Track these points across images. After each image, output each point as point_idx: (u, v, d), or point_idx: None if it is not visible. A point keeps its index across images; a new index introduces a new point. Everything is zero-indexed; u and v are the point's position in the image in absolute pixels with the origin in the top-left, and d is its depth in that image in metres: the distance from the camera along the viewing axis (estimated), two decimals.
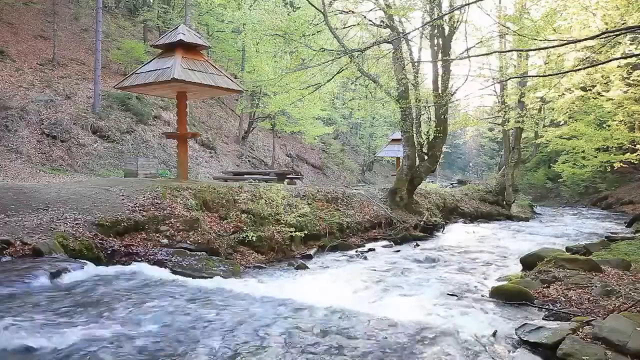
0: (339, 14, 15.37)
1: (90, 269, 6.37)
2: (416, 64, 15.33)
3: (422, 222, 13.94)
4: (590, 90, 14.66)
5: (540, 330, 4.85)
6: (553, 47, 9.41)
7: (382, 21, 14.47)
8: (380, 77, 16.92)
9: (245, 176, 15.55)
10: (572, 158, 22.45)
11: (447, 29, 14.05)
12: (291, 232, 10.01)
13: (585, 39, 7.18)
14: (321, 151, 35.65)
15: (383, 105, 30.20)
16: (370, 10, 14.62)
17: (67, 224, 7.39)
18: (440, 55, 14.13)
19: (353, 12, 14.78)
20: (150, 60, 11.17)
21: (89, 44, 23.80)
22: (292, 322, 5.12)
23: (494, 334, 4.99)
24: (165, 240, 8.17)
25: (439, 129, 14.51)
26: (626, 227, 16.66)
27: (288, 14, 18.03)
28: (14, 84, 18.36)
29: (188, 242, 8.33)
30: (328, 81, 15.50)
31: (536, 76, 14.07)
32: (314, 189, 13.23)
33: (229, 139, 26.87)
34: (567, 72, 11.14)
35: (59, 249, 6.65)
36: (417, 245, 12.14)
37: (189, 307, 5.39)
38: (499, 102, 20.57)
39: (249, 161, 26.34)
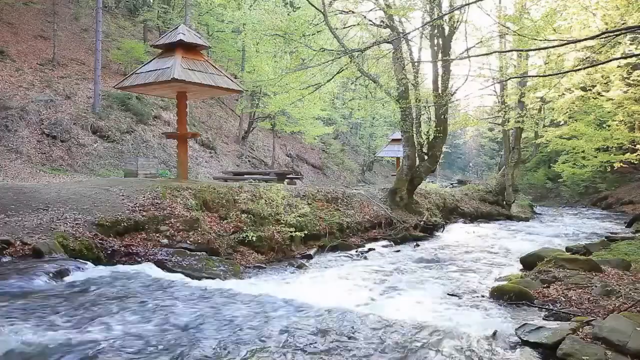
0: (339, 14, 15.37)
1: (90, 269, 6.38)
2: (416, 64, 15.33)
3: (422, 222, 13.94)
4: (590, 90, 14.66)
5: (540, 330, 4.85)
6: (553, 47, 9.41)
7: (382, 21, 14.47)
8: (380, 77, 16.92)
9: (245, 176, 15.55)
10: (572, 158, 22.45)
11: (447, 29, 14.05)
12: (291, 232, 10.01)
13: (585, 39, 7.18)
14: (321, 151, 35.65)
15: (383, 105, 30.20)
16: (370, 10, 14.64)
17: (67, 224, 7.39)
18: (440, 55, 14.12)
19: (353, 12, 14.78)
20: (150, 60, 11.17)
21: (89, 44, 23.81)
22: (292, 322, 5.11)
23: (494, 334, 4.99)
24: (165, 240, 8.17)
25: (439, 129, 14.51)
26: (626, 227, 16.65)
27: (288, 14, 18.03)
28: (14, 84, 18.36)
29: (188, 242, 8.33)
30: (328, 81, 15.50)
31: (536, 76, 14.07)
32: (314, 189, 13.23)
33: (229, 139, 26.87)
34: (567, 72, 11.14)
35: (59, 249, 6.65)
36: (417, 245, 12.14)
37: (189, 307, 5.38)
38: (499, 102, 20.57)
39: (249, 161, 26.34)
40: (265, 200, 10.48)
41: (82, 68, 22.08)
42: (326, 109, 28.29)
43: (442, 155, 18.06)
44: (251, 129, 27.66)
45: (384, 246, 11.66)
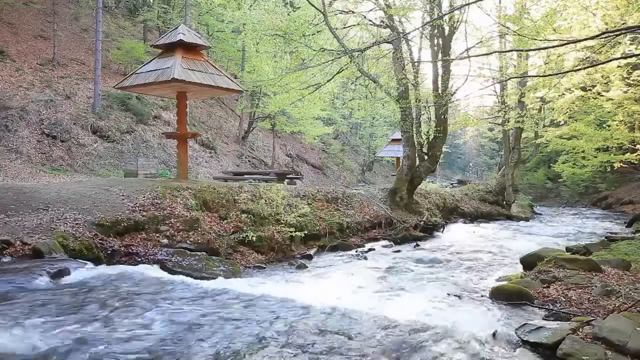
0: (339, 14, 15.36)
1: (90, 269, 6.38)
2: (416, 64, 15.33)
3: (422, 222, 13.94)
4: (590, 90, 14.66)
5: (540, 330, 4.85)
6: (553, 47, 9.41)
7: (382, 21, 14.47)
8: (380, 77, 16.92)
9: (245, 176, 15.54)
10: (572, 158, 22.45)
11: (447, 29, 14.05)
12: (291, 232, 10.01)
13: (585, 39, 7.18)
14: (321, 151, 35.65)
15: (383, 105, 30.20)
16: (370, 10, 14.64)
17: (67, 224, 7.39)
18: (440, 55, 14.12)
19: (353, 12, 14.78)
20: (150, 60, 11.17)
21: (89, 44, 23.81)
22: (292, 322, 5.11)
23: (494, 334, 4.99)
24: (165, 240, 8.17)
25: (439, 129, 14.51)
26: (626, 227, 16.66)
27: (288, 14, 18.03)
28: (14, 84, 18.36)
29: (188, 242, 8.33)
30: (328, 81, 15.50)
31: (536, 76, 14.07)
32: (314, 189, 13.23)
33: (229, 139, 26.87)
34: (567, 72, 11.14)
35: (59, 249, 6.65)
36: (417, 245, 12.14)
37: (189, 307, 5.39)
38: (499, 102, 20.57)
39: (249, 161, 26.34)
40: (265, 200, 10.48)
41: (82, 68, 22.08)
42: (326, 109, 28.29)
43: (442, 155, 18.06)
44: (251, 129, 27.66)
45: (384, 246, 11.65)
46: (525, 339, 4.81)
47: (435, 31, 14.19)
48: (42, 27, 23.91)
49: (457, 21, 13.86)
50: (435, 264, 9.72)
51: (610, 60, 9.81)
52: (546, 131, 19.79)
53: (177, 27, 11.17)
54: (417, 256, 10.47)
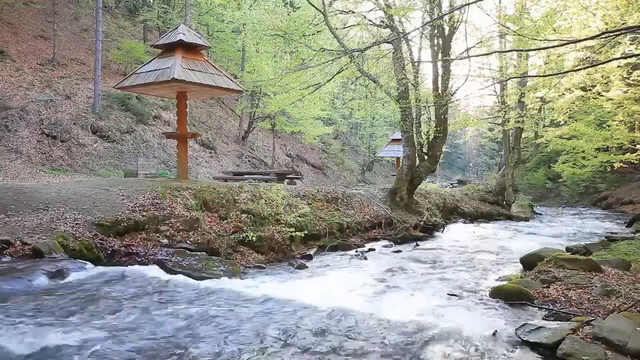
0: (339, 14, 15.36)
1: (90, 269, 6.37)
2: (416, 64, 15.32)
3: (422, 222, 13.94)
4: (590, 90, 14.66)
5: (540, 330, 4.85)
6: (553, 47, 9.41)
7: (382, 21, 14.46)
8: (380, 77, 16.91)
9: (245, 176, 15.54)
10: (572, 158, 22.45)
11: (447, 29, 14.04)
12: (291, 232, 10.01)
13: (585, 39, 7.18)
14: (321, 151, 35.65)
15: (383, 105, 30.19)
16: (370, 10, 14.63)
17: (67, 224, 7.39)
18: (440, 55, 14.12)
19: (353, 12, 14.78)
20: (150, 60, 11.16)
21: (89, 44, 23.81)
22: (292, 322, 5.12)
23: (494, 334, 4.99)
24: (165, 240, 8.17)
25: (439, 129, 14.51)
26: (626, 227, 16.66)
27: (288, 14, 18.03)
28: (14, 84, 18.36)
29: (188, 242, 8.32)
30: (328, 81, 15.49)
31: (536, 76, 14.07)
32: (314, 189, 13.23)
33: (229, 139, 26.87)
34: (567, 72, 11.14)
35: (59, 249, 6.65)
36: (417, 245, 12.14)
37: (188, 307, 5.39)
38: (499, 102, 20.57)
39: (249, 161, 26.34)
40: (265, 200, 10.48)
41: (82, 68, 22.08)
42: (326, 109, 28.29)
43: (442, 155, 18.06)
44: (251, 129, 27.66)
45: (384, 246, 11.65)
46: (525, 339, 4.81)
47: (435, 31, 14.19)
48: (42, 27, 23.91)
49: (457, 21, 13.86)
50: (435, 264, 9.72)
51: (610, 60, 9.81)
52: (546, 131, 19.79)
53: (177, 27, 11.17)
54: (417, 256, 10.48)
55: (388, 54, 15.18)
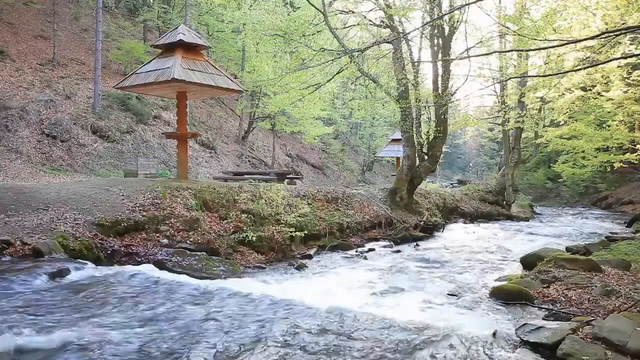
0: (339, 14, 15.36)
1: (90, 269, 6.37)
2: (416, 64, 15.32)
3: (422, 222, 13.94)
4: (590, 90, 14.68)
5: (540, 330, 4.85)
6: (553, 47, 9.42)
7: (382, 21, 14.46)
8: (380, 77, 16.91)
9: (245, 176, 15.54)
10: (572, 158, 22.44)
11: (447, 29, 14.05)
12: (291, 232, 10.00)
13: (585, 39, 7.18)
14: (321, 151, 35.64)
15: (383, 105, 30.17)
16: (370, 10, 14.63)
17: (67, 224, 7.39)
18: (440, 55, 14.12)
19: (353, 12, 14.78)
20: (150, 60, 11.16)
21: (89, 44, 23.81)
22: (292, 322, 5.12)
23: (494, 334, 4.99)
24: (165, 240, 8.17)
25: (439, 129, 14.51)
26: (626, 227, 16.66)
27: (288, 14, 18.02)
28: (14, 84, 18.36)
29: (188, 242, 8.32)
30: (328, 81, 15.50)
31: (536, 76, 14.07)
32: (314, 189, 13.22)
33: (229, 139, 26.87)
34: (567, 72, 11.14)
35: (59, 249, 6.65)
36: (417, 245, 12.14)
37: (188, 307, 5.38)
38: (499, 102, 20.55)
39: (249, 161, 26.34)
40: (265, 200, 10.48)
41: (82, 68, 22.08)
42: (326, 109, 28.29)
43: (442, 155, 18.06)
44: (251, 129, 27.66)
45: (384, 246, 11.65)
46: (525, 339, 4.81)
47: (435, 31, 14.19)
48: (42, 27, 23.91)
49: (457, 21, 13.87)
50: (435, 263, 9.72)
51: (610, 60, 9.82)
52: (546, 131, 19.79)
53: (177, 27, 11.17)
54: (417, 256, 10.48)
55: (388, 54, 15.18)
